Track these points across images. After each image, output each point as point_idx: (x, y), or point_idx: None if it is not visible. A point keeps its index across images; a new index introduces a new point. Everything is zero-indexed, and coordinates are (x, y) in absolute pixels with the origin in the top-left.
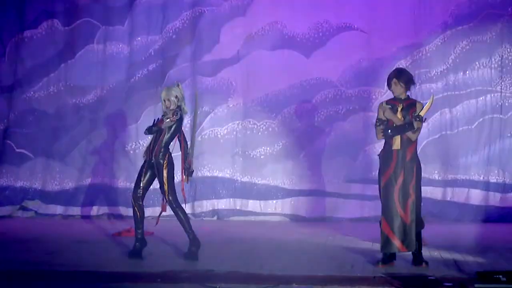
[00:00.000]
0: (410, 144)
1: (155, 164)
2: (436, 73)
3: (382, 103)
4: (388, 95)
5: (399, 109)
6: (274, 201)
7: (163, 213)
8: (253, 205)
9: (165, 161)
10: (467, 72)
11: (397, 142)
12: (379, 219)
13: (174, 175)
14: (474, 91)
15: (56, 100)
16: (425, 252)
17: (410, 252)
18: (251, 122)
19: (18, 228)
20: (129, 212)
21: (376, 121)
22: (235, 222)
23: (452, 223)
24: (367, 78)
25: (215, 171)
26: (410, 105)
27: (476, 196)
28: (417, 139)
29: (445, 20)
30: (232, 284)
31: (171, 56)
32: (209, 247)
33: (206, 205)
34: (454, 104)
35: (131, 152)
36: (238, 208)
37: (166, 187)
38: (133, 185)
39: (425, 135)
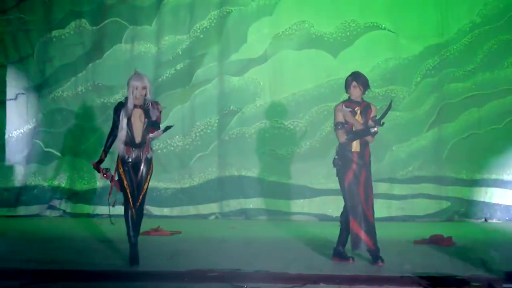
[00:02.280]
0: (367, 146)
1: (144, 160)
2: (463, 73)
3: (339, 105)
4: (414, 96)
5: (358, 112)
6: (302, 201)
7: (186, 214)
8: (280, 204)
9: (152, 158)
10: (495, 71)
11: (356, 145)
12: (405, 218)
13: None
14: (502, 90)
15: (84, 100)
16: (453, 252)
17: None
18: (278, 122)
19: (45, 228)
20: (157, 211)
21: (337, 124)
22: (262, 222)
23: (480, 223)
24: (394, 77)
25: (242, 170)
26: (366, 107)
27: (504, 196)
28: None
29: (473, 19)
30: (259, 283)
31: (198, 55)
32: (237, 247)
33: (234, 204)
34: (482, 103)
35: (159, 151)
36: (265, 207)
37: (147, 185)
38: (160, 184)
39: (453, 134)
